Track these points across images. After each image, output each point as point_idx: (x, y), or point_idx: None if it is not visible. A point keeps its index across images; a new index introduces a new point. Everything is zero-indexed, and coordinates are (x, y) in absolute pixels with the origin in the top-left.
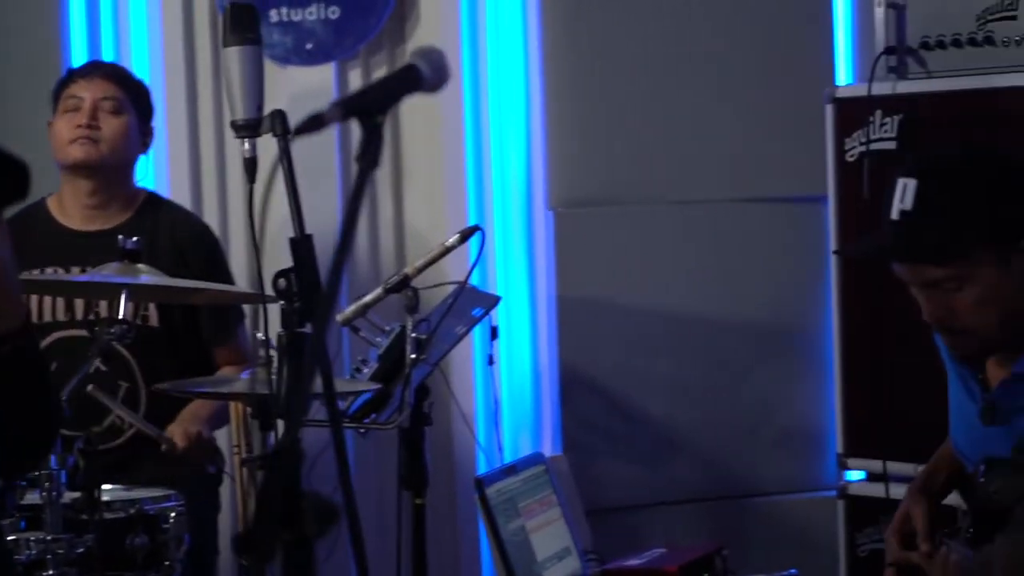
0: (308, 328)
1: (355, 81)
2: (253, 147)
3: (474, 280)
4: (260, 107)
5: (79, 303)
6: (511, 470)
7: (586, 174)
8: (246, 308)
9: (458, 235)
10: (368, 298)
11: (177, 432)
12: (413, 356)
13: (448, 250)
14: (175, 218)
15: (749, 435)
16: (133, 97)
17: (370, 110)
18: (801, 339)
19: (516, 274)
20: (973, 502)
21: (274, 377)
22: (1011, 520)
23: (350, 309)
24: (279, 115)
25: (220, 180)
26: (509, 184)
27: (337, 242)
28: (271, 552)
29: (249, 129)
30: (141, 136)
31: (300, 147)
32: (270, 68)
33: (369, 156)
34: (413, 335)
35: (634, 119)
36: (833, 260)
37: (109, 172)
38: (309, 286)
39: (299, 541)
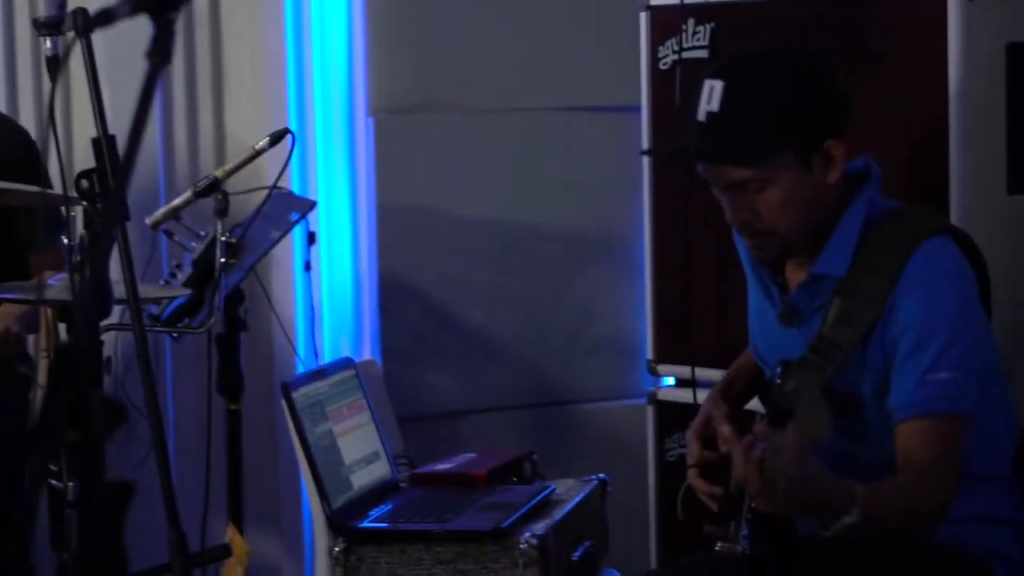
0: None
1: None
2: (55, 45)
3: (294, 186)
4: (63, 4)
5: None
6: (319, 374)
7: (407, 81)
8: None
9: (268, 138)
10: (177, 201)
11: None
12: (223, 260)
13: (258, 153)
14: None
15: (564, 344)
16: None
17: (160, 6)
18: (617, 248)
19: (337, 180)
20: (769, 404)
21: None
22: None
23: (159, 212)
24: (81, 12)
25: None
26: (330, 89)
27: (126, 141)
28: (58, 448)
29: (51, 27)
30: None
31: (118, 46)
32: None
33: (159, 52)
34: (223, 239)
35: (454, 27)
36: (647, 169)
37: None
38: (111, 187)
39: (87, 439)
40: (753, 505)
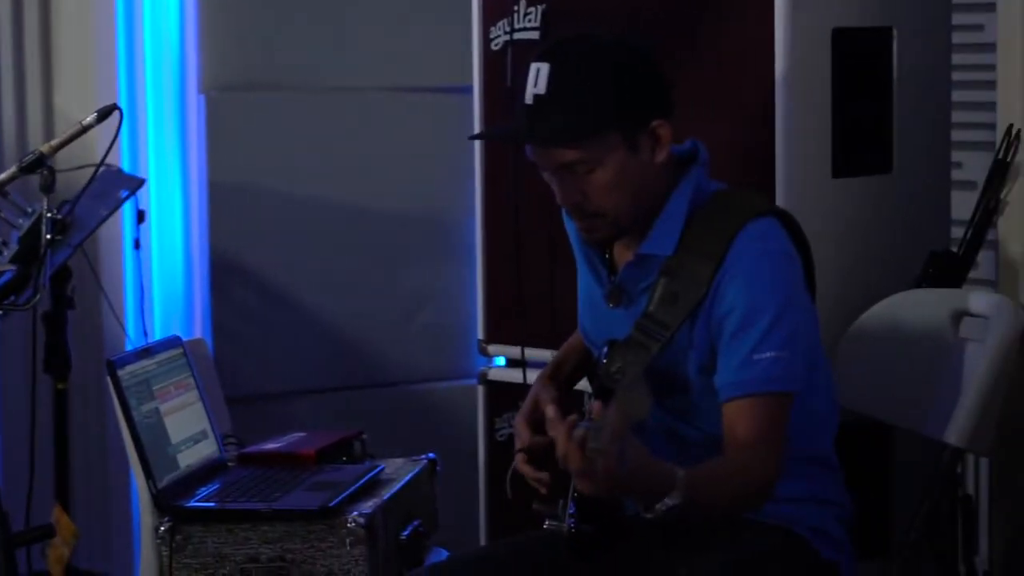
0: None
1: None
2: None
3: (125, 164)
4: None
5: None
6: (146, 352)
7: (239, 59)
8: None
9: (95, 114)
10: (2, 177)
11: None
12: (49, 237)
13: (85, 129)
14: None
15: (395, 324)
16: None
17: None
18: (448, 229)
19: (168, 158)
20: (595, 383)
21: None
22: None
23: None
24: None
25: None
26: (162, 66)
27: None
28: None
29: None
30: None
31: None
32: None
33: None
34: (49, 215)
35: (287, 5)
36: (479, 151)
37: None
38: None
39: None
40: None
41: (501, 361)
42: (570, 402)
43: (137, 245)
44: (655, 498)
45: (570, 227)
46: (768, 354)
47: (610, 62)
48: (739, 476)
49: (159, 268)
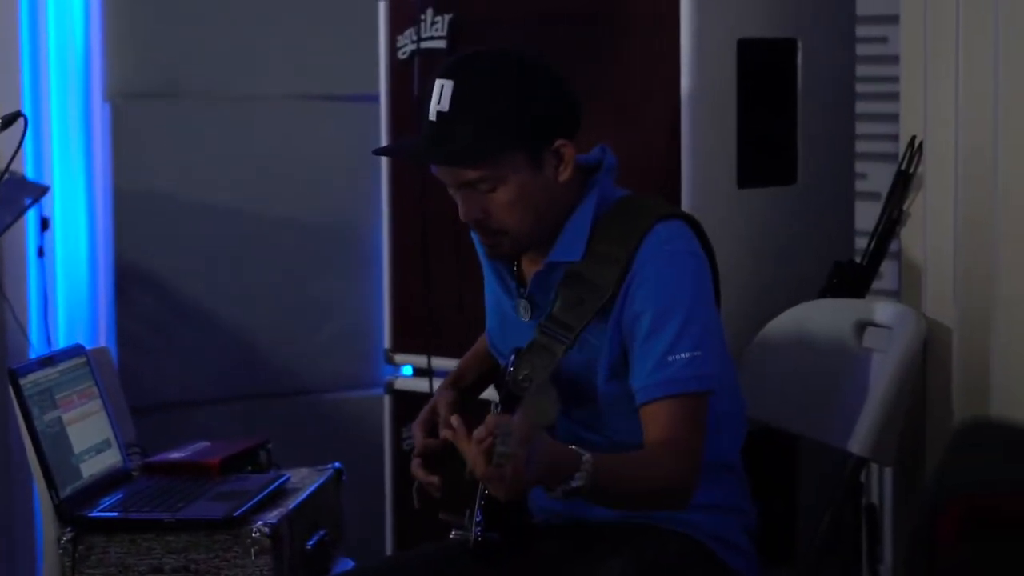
0: None
1: None
2: None
3: (28, 171)
4: None
5: None
6: (49, 361)
7: (145, 66)
8: None
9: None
10: None
11: None
12: None
13: None
14: None
15: (301, 333)
16: None
17: None
18: (355, 238)
19: (72, 165)
20: (502, 391)
21: None
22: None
23: None
24: None
25: None
26: (66, 73)
27: None
28: None
29: None
30: None
31: None
32: None
33: None
34: None
35: (194, 11)
36: (385, 160)
37: None
38: None
39: None
40: (486, 492)
41: (408, 371)
42: (473, 408)
43: (41, 253)
44: (559, 480)
45: (477, 241)
46: (683, 355)
47: (514, 81)
48: (655, 471)
49: (63, 276)
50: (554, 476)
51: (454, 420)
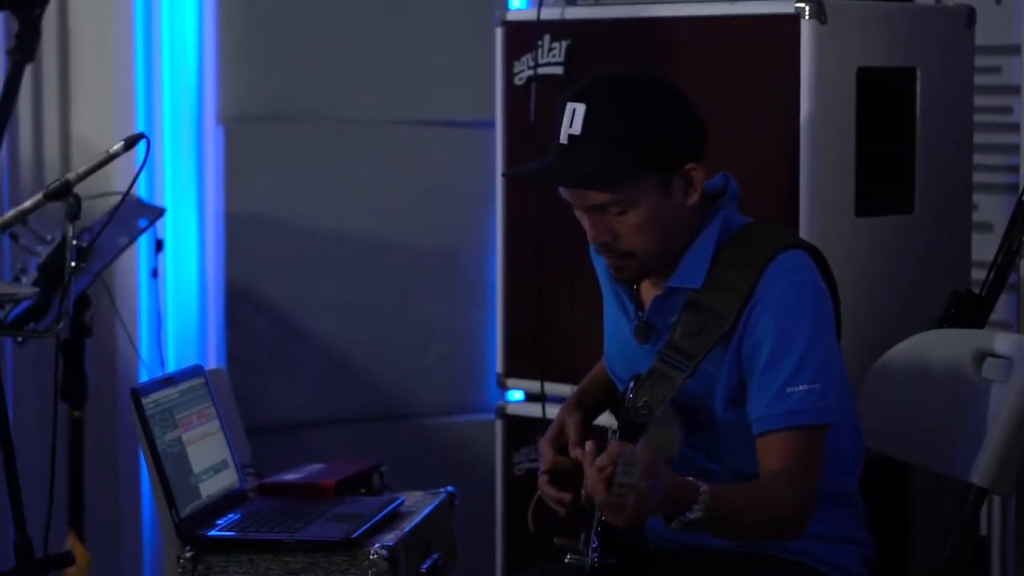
0: None
1: None
2: None
3: (141, 192)
4: None
5: None
6: (169, 381)
7: (258, 89)
8: None
9: (122, 143)
10: (27, 204)
11: None
12: (73, 264)
13: (112, 157)
14: None
15: (413, 357)
16: None
17: (25, 2)
18: (467, 263)
19: (185, 188)
20: (621, 419)
21: None
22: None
23: (8, 215)
24: None
25: None
26: (180, 96)
27: None
28: None
29: None
30: None
31: None
32: None
33: (24, 49)
34: (74, 243)
35: (308, 36)
36: (499, 185)
37: None
38: None
39: None
40: (603, 518)
41: (519, 395)
42: (593, 434)
43: (155, 274)
44: (677, 511)
45: (598, 262)
46: (802, 387)
47: (646, 104)
48: (771, 502)
49: (174, 297)
50: (673, 507)
51: (588, 444)
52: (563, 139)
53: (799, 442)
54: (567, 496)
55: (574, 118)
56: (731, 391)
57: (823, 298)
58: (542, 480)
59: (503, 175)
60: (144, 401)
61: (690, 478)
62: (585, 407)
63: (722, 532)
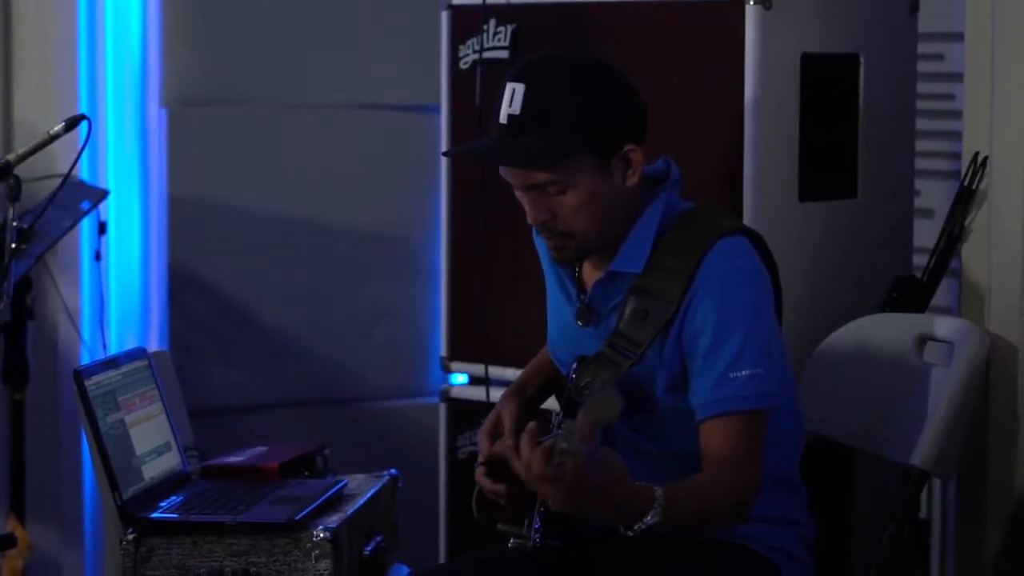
0: None
1: None
2: None
3: (85, 175)
4: None
5: None
6: (112, 363)
7: (202, 72)
8: None
9: (63, 124)
10: None
11: None
12: (13, 246)
13: (52, 138)
14: None
15: (357, 341)
16: None
17: None
18: (412, 246)
19: (128, 170)
20: (564, 399)
21: None
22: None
23: None
24: None
25: None
26: (123, 78)
27: None
28: None
29: None
30: None
31: None
32: None
33: None
34: (15, 225)
35: (252, 20)
36: (444, 169)
37: None
38: None
39: None
40: (542, 498)
41: (464, 379)
42: (535, 418)
43: (98, 256)
44: (634, 517)
45: (540, 244)
46: (744, 372)
47: (586, 85)
48: (718, 493)
49: (117, 280)
50: (630, 514)
51: (509, 441)
52: (503, 119)
53: (742, 427)
54: (502, 488)
55: (514, 98)
56: (672, 376)
57: (764, 284)
58: (479, 472)
59: (443, 154)
60: (87, 383)
61: (645, 483)
62: (524, 396)
63: (673, 529)
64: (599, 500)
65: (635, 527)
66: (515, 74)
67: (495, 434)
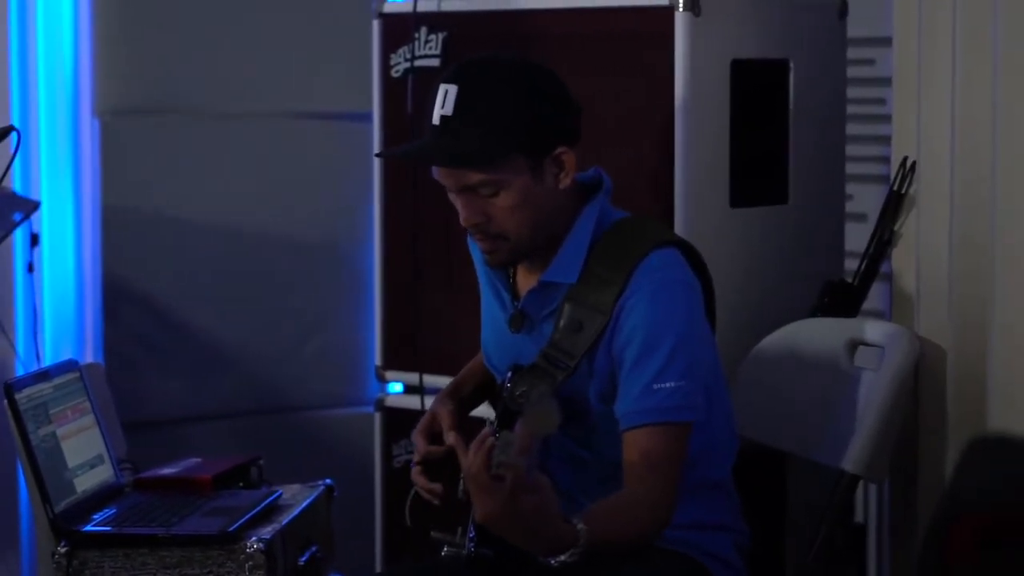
0: None
1: None
2: None
3: (16, 186)
4: None
5: None
6: (43, 376)
7: (134, 82)
8: None
9: None
10: None
11: None
12: None
13: None
14: None
15: (291, 351)
16: None
17: None
18: (346, 255)
19: (60, 181)
20: (499, 407)
21: None
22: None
23: None
24: None
25: None
26: (55, 88)
27: None
28: None
29: None
30: None
31: None
32: None
33: None
34: None
35: (184, 29)
36: (377, 177)
37: None
38: None
39: None
40: (477, 509)
41: (398, 388)
42: (470, 426)
43: (31, 268)
44: (553, 553)
45: (474, 250)
46: (668, 384)
47: (518, 86)
48: (640, 514)
49: (51, 292)
50: (549, 550)
51: (451, 436)
52: (436, 120)
53: (662, 438)
54: (439, 487)
55: (446, 99)
56: (603, 386)
57: (694, 296)
58: (415, 471)
59: (376, 155)
60: (17, 396)
61: (571, 522)
62: (459, 398)
63: (600, 553)
64: (523, 527)
65: (553, 561)
66: (448, 76)
67: (430, 433)
